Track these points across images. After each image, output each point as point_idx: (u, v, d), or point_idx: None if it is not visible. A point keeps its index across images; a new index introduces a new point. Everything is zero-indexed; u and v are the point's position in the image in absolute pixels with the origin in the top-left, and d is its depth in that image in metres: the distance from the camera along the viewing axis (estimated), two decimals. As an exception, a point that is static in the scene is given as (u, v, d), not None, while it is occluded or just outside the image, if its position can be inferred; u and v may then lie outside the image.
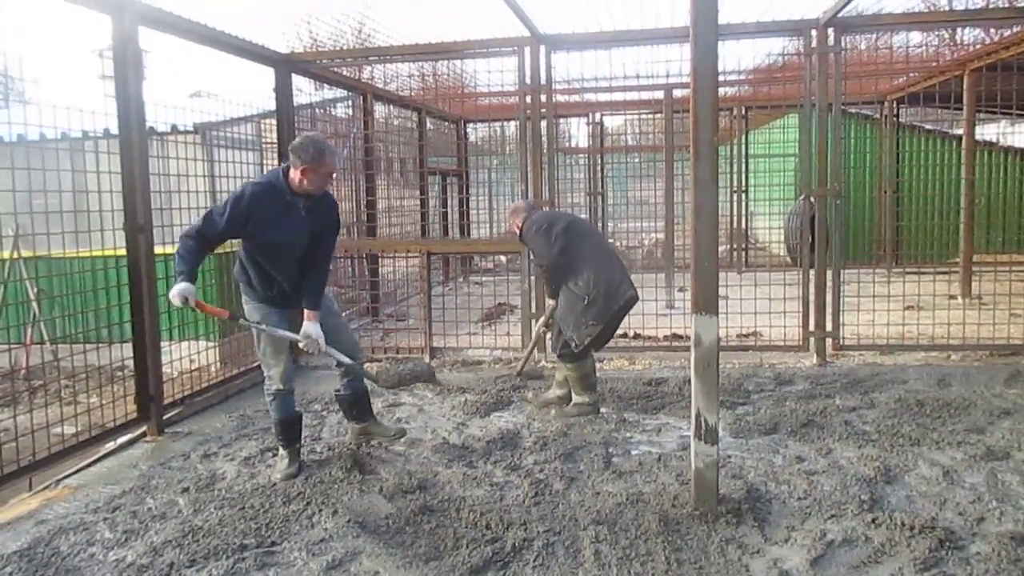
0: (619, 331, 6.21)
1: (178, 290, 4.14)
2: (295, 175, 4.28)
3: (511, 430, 5.23)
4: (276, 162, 7.57)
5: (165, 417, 5.58)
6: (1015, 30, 8.04)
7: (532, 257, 5.76)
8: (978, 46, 9.19)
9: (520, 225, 5.68)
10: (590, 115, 13.36)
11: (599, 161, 13.26)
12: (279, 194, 4.30)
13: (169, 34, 5.74)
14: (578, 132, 19.83)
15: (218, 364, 6.97)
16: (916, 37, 9.43)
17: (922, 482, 4.17)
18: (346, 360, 4.59)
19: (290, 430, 4.66)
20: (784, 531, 3.66)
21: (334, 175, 4.54)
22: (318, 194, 4.39)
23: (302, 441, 4.82)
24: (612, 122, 18.77)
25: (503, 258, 13.09)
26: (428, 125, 12.52)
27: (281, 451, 4.66)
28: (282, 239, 4.32)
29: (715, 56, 3.74)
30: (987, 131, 14.20)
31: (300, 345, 4.45)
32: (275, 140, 7.59)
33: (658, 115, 12.73)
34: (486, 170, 15.32)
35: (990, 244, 11.93)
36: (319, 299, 4.47)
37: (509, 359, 7.31)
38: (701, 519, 3.74)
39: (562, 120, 14.23)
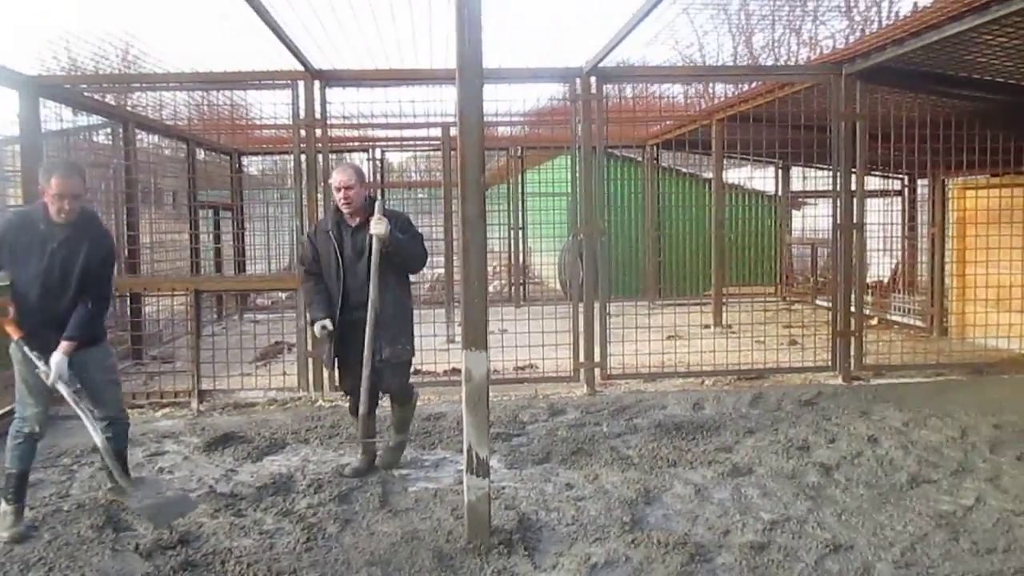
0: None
1: None
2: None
3: (284, 474, 5.04)
4: (19, 193, 6.93)
5: None
6: (753, 86, 8.98)
7: (390, 245, 4.80)
8: (723, 99, 10.17)
9: (360, 190, 4.97)
10: (371, 150, 13.35)
11: (380, 196, 13.22)
12: (35, 224, 4.18)
13: None
14: (361, 167, 19.73)
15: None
16: (676, 88, 10.28)
17: (677, 500, 4.49)
18: (88, 423, 4.14)
19: (23, 483, 4.30)
20: (553, 557, 3.79)
21: (73, 196, 4.13)
22: (69, 219, 4.14)
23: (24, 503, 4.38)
24: (397, 158, 18.89)
25: (282, 295, 12.69)
26: (201, 156, 11.95)
27: (6, 506, 4.23)
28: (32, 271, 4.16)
29: (480, 100, 3.87)
30: (736, 175, 15.70)
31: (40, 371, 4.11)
32: (18, 169, 6.95)
33: (437, 152, 12.95)
34: (263, 204, 14.84)
35: (738, 277, 13.14)
36: (74, 332, 4.15)
37: (285, 400, 7.08)
38: (474, 552, 3.80)
39: (346, 155, 14.11)
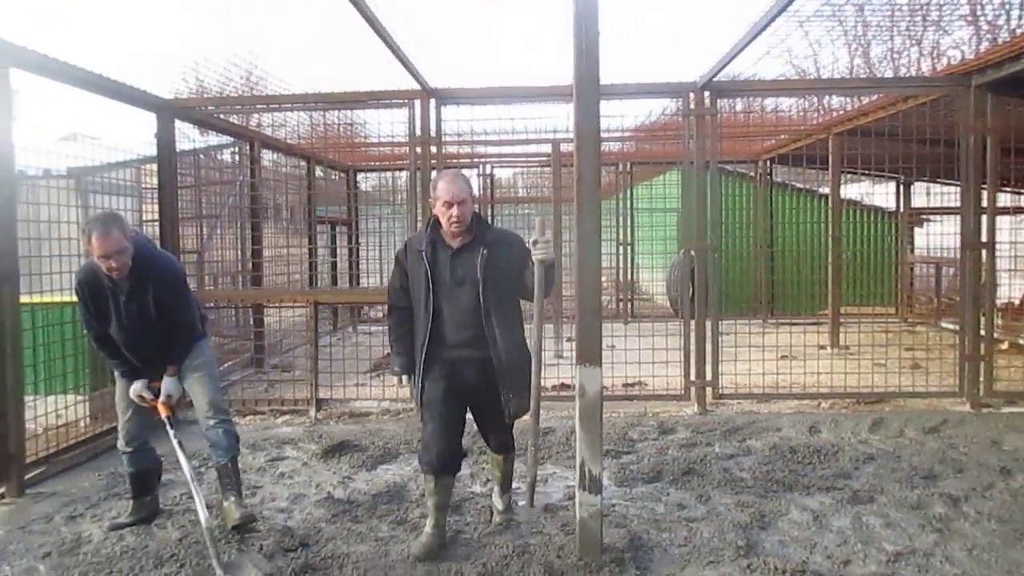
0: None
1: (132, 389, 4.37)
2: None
3: (398, 483, 5.17)
4: (156, 208, 7.36)
5: (27, 477, 5.23)
6: (873, 98, 8.68)
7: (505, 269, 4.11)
8: (840, 112, 9.87)
9: (471, 205, 4.15)
10: (481, 167, 13.56)
11: (490, 212, 13.43)
12: (100, 280, 4.21)
13: (44, 77, 5.54)
14: (468, 176, 20.07)
15: (87, 419, 6.61)
16: (788, 101, 10.06)
17: (793, 527, 4.35)
18: (183, 463, 4.17)
19: (135, 484, 4.61)
20: (665, 579, 3.74)
21: (117, 252, 4.03)
22: (123, 274, 4.13)
23: (154, 495, 4.72)
24: (503, 174, 19.12)
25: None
26: (318, 174, 12.42)
27: (131, 500, 4.65)
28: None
29: (597, 118, 3.90)
30: (852, 191, 15.17)
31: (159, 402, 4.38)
32: (155, 186, 7.40)
33: (547, 168, 13.04)
34: (376, 219, 15.27)
35: (856, 297, 12.66)
36: (175, 357, 4.42)
37: (398, 410, 7.24)
38: (585, 569, 3.79)
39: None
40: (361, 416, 7.15)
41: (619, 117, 10.12)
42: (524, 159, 13.62)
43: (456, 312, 4.05)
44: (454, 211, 4.00)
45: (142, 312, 4.23)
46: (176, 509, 4.77)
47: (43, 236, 6.02)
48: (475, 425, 4.41)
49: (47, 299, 6.06)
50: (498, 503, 4.54)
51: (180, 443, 4.25)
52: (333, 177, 13.89)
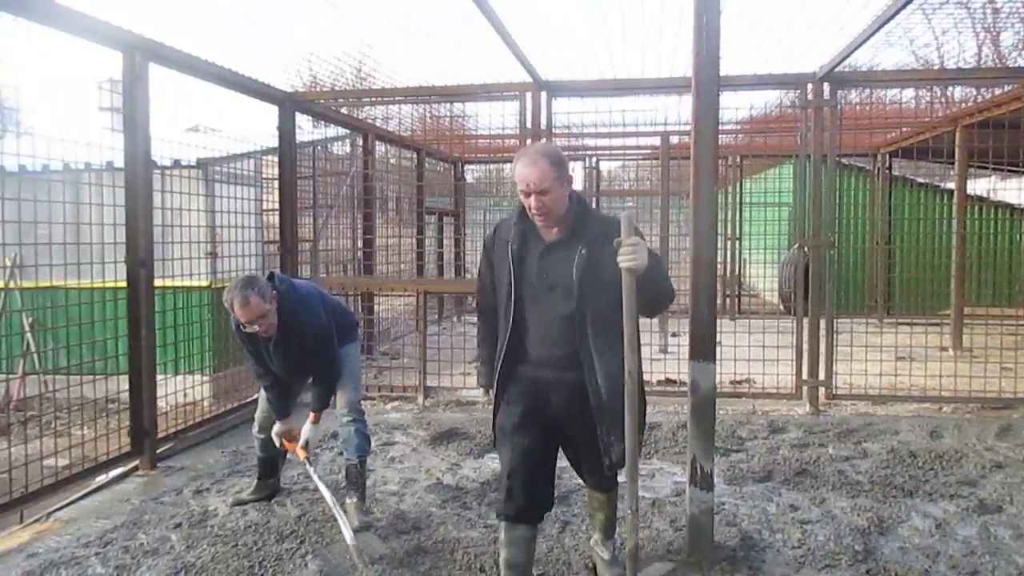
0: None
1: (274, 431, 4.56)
2: None
3: (505, 472, 5.22)
4: (276, 197, 7.63)
5: (158, 451, 5.56)
6: (1006, 89, 8.21)
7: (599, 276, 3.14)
8: (969, 103, 9.37)
9: (561, 192, 3.14)
10: (586, 159, 13.51)
11: (595, 204, 13.38)
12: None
13: (178, 71, 5.82)
14: (574, 175, 20.04)
15: (211, 399, 6.95)
16: (908, 92, 9.62)
17: (915, 534, 4.19)
18: (327, 497, 4.24)
19: (263, 465, 4.82)
20: (779, 581, 3.66)
21: (259, 318, 4.07)
22: (270, 333, 4.23)
23: (277, 476, 4.91)
24: (608, 166, 18.98)
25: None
26: (426, 165, 12.66)
27: (255, 478, 4.88)
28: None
29: (716, 110, 3.84)
30: (978, 186, 14.38)
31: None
32: (275, 176, 7.69)
33: (655, 161, 12.89)
34: (480, 210, 15.49)
35: (981, 297, 12.03)
36: (316, 405, 4.52)
37: (503, 400, 7.31)
38: (696, 566, 3.75)
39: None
40: (467, 405, 7.26)
41: (733, 109, 9.90)
42: (634, 151, 13.48)
43: (543, 323, 3.19)
44: (532, 201, 3.10)
45: (287, 356, 4.35)
46: (295, 488, 4.96)
47: (174, 223, 6.34)
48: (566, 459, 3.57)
49: (176, 283, 6.38)
50: (602, 552, 3.69)
51: (321, 479, 4.38)
52: (438, 168, 14.12)
